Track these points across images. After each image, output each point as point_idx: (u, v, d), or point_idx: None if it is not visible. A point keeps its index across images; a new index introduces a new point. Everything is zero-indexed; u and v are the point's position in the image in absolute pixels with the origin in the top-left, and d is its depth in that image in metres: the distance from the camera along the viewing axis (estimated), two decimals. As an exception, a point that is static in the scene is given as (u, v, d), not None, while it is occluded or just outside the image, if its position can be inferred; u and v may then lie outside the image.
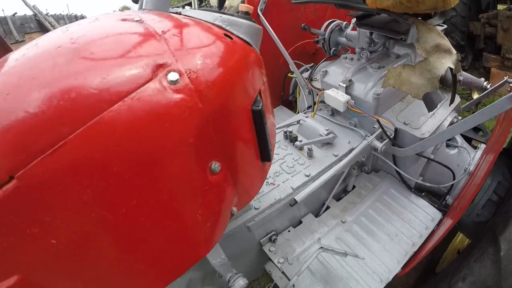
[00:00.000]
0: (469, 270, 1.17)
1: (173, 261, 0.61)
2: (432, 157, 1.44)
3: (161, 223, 0.55)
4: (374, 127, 1.46)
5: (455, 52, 1.14)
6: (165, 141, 0.50)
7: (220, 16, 0.68)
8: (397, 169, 1.48)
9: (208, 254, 1.05)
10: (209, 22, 0.68)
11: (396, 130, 1.41)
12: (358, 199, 1.54)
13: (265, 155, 0.69)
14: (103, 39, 0.53)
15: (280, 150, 1.47)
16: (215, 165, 0.57)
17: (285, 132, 1.50)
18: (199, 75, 0.52)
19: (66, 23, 7.68)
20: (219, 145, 0.57)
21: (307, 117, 1.60)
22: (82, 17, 8.75)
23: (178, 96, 0.50)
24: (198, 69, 0.52)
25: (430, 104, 1.20)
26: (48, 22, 8.25)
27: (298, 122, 1.57)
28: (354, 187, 1.60)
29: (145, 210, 0.52)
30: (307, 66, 1.95)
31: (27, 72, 0.49)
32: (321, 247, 1.17)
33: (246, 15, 0.73)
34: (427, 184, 1.47)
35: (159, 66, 0.50)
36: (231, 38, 0.64)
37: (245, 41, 0.69)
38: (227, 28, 0.67)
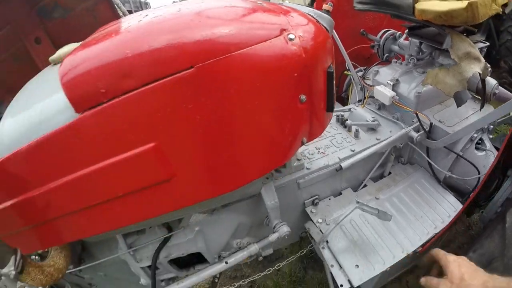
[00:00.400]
0: (479, 244, 1.39)
1: (264, 158, 0.92)
2: (461, 153, 1.66)
3: (266, 123, 0.86)
4: (413, 121, 1.71)
5: (484, 61, 1.38)
6: (283, 71, 0.82)
7: (313, 10, 1.01)
8: (428, 160, 1.71)
9: (266, 195, 1.32)
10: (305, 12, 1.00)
11: (431, 124, 1.65)
12: (392, 183, 1.79)
13: (330, 106, 0.99)
14: (249, 8, 0.89)
15: (332, 129, 1.76)
16: (303, 97, 0.88)
17: (337, 116, 1.79)
18: (304, 40, 0.84)
19: (131, 7, 8.29)
20: (308, 85, 0.88)
21: (357, 106, 1.88)
22: (146, 3, 9.36)
23: (293, 47, 0.82)
24: (304, 36, 0.85)
25: (459, 101, 1.45)
26: (115, 4, 8.98)
27: (350, 110, 1.86)
28: (390, 173, 1.85)
29: (260, 111, 0.83)
30: (361, 68, 2.22)
31: (208, 11, 0.84)
32: (358, 202, 1.43)
33: (327, 12, 1.05)
34: (454, 176, 1.69)
35: (283, 30, 0.83)
36: (320, 24, 0.97)
37: (326, 29, 1.00)
38: (317, 18, 0.99)
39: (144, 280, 1.46)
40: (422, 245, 1.51)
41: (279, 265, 1.78)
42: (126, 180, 0.85)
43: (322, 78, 0.93)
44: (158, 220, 1.23)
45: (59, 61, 0.95)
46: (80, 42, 0.94)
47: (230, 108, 0.80)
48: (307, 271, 2.57)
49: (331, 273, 1.50)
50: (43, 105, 0.84)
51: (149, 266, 1.40)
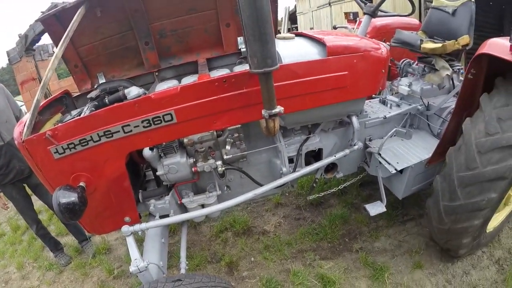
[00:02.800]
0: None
1: (371, 86, 2.31)
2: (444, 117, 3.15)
3: (370, 74, 2.27)
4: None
5: (451, 69, 2.90)
6: (379, 60, 2.24)
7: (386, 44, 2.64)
8: (427, 121, 3.17)
9: (355, 120, 2.56)
10: None
11: (427, 103, 3.12)
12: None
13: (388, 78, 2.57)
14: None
15: (377, 105, 3.22)
16: (383, 70, 2.34)
17: (380, 99, 3.32)
18: (384, 53, 2.25)
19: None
20: (385, 67, 2.27)
21: (390, 96, 3.41)
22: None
23: (382, 53, 2.23)
24: (383, 51, 2.29)
25: (440, 87, 2.99)
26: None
27: (386, 97, 3.39)
28: None
29: (368, 70, 2.30)
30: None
31: (354, 37, 2.36)
32: (396, 128, 2.80)
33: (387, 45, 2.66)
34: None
35: (379, 48, 2.22)
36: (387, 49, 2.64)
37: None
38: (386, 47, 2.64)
39: (285, 169, 2.48)
40: (428, 160, 2.64)
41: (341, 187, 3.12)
42: (326, 84, 2.07)
43: (386, 68, 2.26)
44: (319, 117, 2.42)
45: (283, 38, 2.36)
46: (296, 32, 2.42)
47: (363, 67, 2.16)
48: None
49: (381, 179, 2.80)
50: (307, 49, 2.14)
51: (291, 160, 2.52)
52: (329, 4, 13.86)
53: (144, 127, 1.94)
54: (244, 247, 3.54)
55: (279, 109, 1.83)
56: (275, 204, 4.10)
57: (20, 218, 5.62)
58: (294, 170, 2.53)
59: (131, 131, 1.95)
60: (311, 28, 15.12)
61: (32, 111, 1.91)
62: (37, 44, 8.51)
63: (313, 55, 2.13)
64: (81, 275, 3.82)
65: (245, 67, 2.41)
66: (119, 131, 1.94)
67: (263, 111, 1.84)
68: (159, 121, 1.94)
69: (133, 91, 2.21)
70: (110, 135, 1.95)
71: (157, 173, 2.32)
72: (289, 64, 2.03)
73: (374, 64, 2.19)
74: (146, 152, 2.23)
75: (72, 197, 1.83)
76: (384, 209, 2.71)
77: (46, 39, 9.41)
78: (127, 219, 2.36)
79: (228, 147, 2.30)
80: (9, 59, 8.55)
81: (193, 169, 2.31)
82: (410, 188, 2.82)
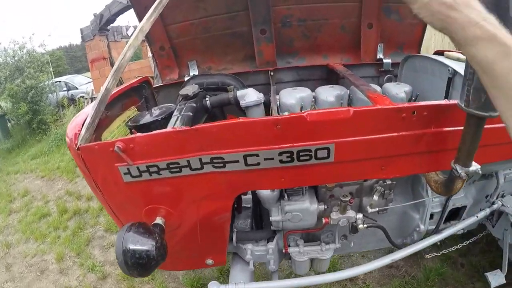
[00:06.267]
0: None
1: None
2: None
3: None
4: None
5: None
6: None
7: None
8: None
9: (501, 174, 1.97)
10: None
11: None
12: None
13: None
14: None
15: None
16: None
17: None
18: None
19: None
20: None
21: None
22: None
23: None
24: None
25: None
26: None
27: None
28: None
29: None
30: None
31: None
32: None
33: None
34: None
35: None
36: None
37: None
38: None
39: (423, 226, 1.95)
40: None
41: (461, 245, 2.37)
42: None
43: None
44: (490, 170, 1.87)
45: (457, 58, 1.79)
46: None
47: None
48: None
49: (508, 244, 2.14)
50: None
51: (431, 216, 1.96)
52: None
53: (280, 161, 1.28)
54: (328, 292, 3.01)
55: (476, 167, 1.31)
56: (366, 246, 3.48)
57: (69, 200, 5.46)
58: (436, 230, 2.01)
59: (258, 164, 1.29)
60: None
61: (97, 105, 1.31)
62: (111, 25, 8.59)
63: None
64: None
65: (396, 88, 1.93)
66: (237, 162, 1.28)
67: (456, 166, 1.31)
68: (308, 157, 1.28)
69: (251, 95, 1.58)
70: (222, 165, 1.30)
71: (271, 219, 1.70)
72: None
73: None
74: (264, 191, 1.62)
75: (147, 245, 1.22)
76: (504, 281, 2.22)
77: (120, 21, 9.56)
78: (209, 261, 1.79)
79: (375, 197, 1.68)
80: (82, 37, 8.73)
81: (323, 220, 1.70)
82: None
